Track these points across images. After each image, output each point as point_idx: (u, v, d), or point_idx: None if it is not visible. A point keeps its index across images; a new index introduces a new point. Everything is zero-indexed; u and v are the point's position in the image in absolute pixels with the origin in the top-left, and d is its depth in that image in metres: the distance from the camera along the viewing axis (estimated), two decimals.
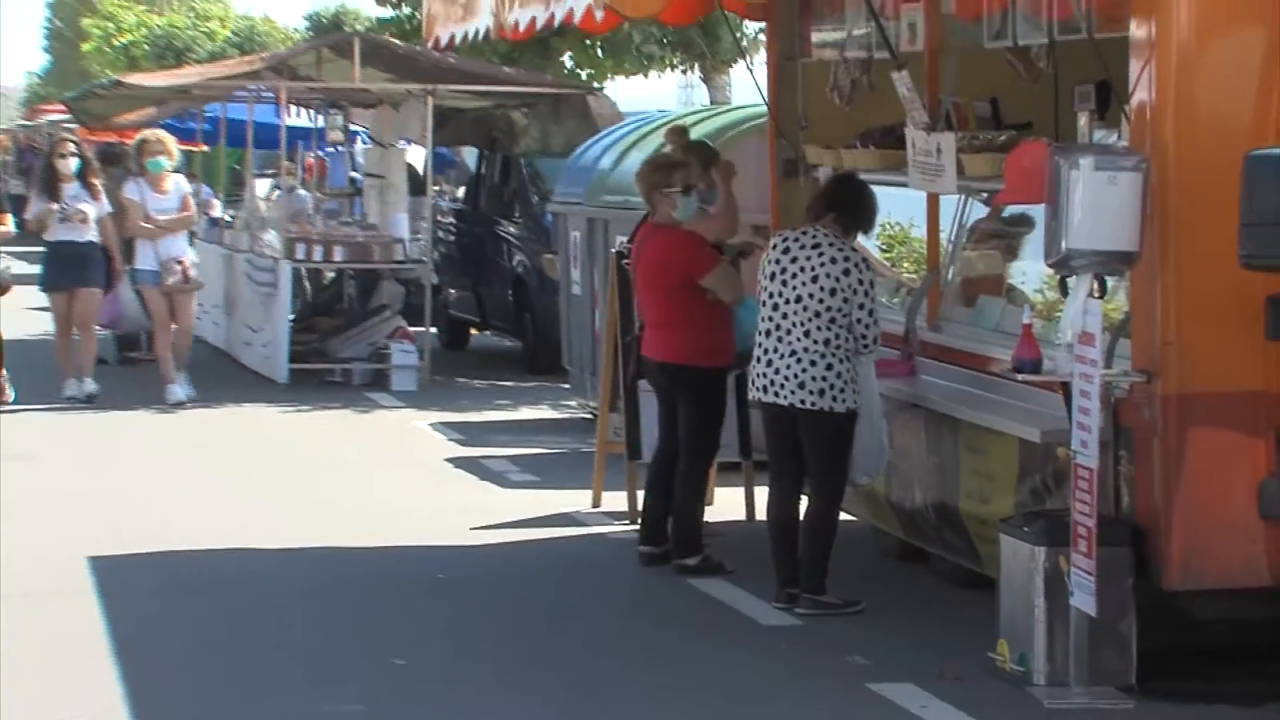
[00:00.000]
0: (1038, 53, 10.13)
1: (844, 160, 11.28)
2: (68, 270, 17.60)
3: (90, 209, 17.54)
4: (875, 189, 10.59)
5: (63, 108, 31.54)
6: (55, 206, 17.46)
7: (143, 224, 17.77)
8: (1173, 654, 8.44)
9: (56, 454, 15.26)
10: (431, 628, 10.11)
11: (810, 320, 9.87)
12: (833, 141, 11.71)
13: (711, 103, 24.63)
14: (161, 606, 10.46)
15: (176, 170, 18.53)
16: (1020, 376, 9.31)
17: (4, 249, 17.51)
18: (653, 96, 31.18)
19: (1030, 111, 10.17)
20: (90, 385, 17.32)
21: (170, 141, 18.72)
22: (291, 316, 19.76)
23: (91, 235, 17.54)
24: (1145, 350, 8.36)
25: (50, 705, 8.53)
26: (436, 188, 22.70)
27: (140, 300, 18.28)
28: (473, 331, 22.79)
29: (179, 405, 17.26)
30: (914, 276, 11.79)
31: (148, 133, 19.23)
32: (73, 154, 17.81)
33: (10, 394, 17.50)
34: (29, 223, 18.16)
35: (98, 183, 17.79)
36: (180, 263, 17.80)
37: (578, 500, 13.11)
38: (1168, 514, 8.26)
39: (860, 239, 10.51)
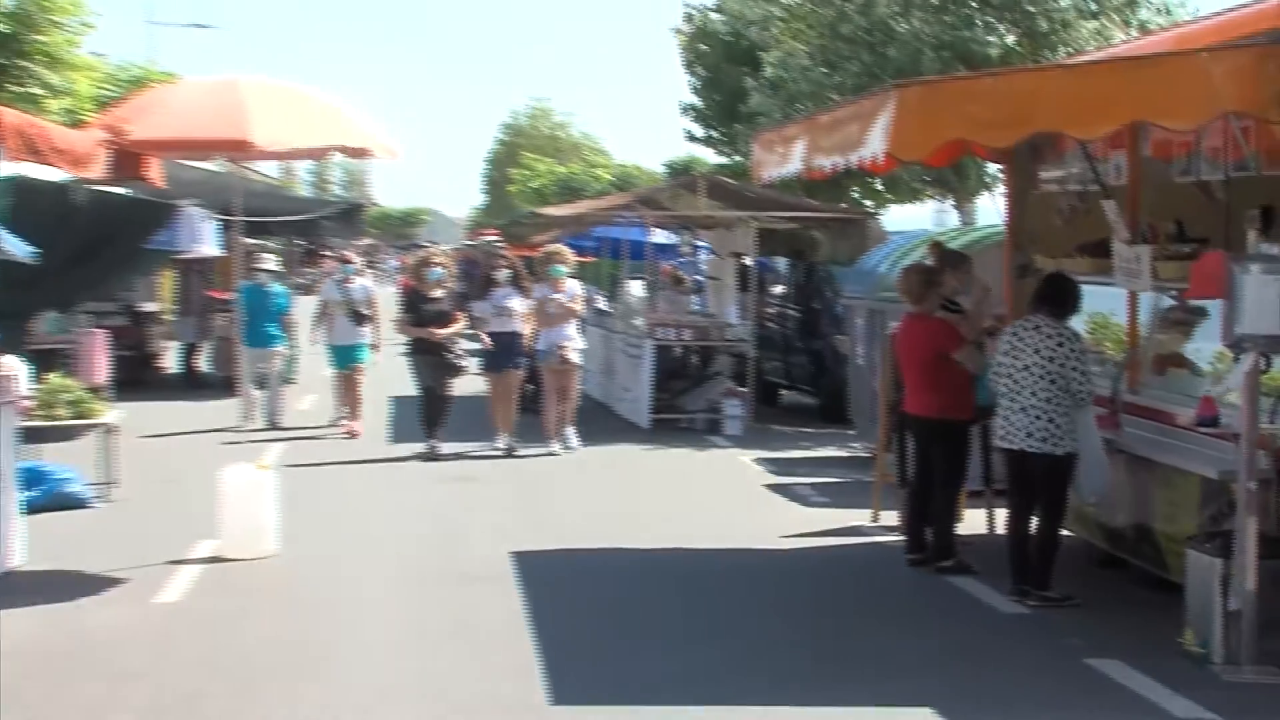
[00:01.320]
0: (1216, 185, 10.15)
1: (1065, 266, 11.23)
2: (501, 356, 17.29)
3: (519, 305, 17.34)
4: (1087, 287, 10.66)
5: (496, 231, 32.14)
6: (491, 305, 17.33)
7: (546, 314, 17.49)
8: None
9: (489, 478, 15.74)
10: (753, 608, 10.32)
11: (1035, 383, 9.93)
12: (1055, 252, 11.71)
13: (961, 224, 24.43)
14: (562, 589, 10.73)
15: (572, 275, 18.32)
16: (1203, 429, 9.37)
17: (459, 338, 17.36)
18: (915, 219, 30.97)
19: (1209, 230, 10.11)
20: (509, 440, 17.20)
21: (568, 253, 18.58)
22: (652, 380, 19.92)
23: (517, 326, 17.28)
24: None
25: (479, 658, 8.89)
26: (758, 287, 22.78)
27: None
28: (782, 391, 22.75)
29: (566, 450, 17.24)
30: (1115, 353, 11.79)
31: (551, 246, 19.28)
32: (505, 265, 17.76)
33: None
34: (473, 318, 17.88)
35: (528, 285, 17.69)
36: (561, 348, 17.46)
37: (860, 517, 13.11)
38: None
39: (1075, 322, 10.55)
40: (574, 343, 17.72)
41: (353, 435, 18.46)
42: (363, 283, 19.49)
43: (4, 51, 20.10)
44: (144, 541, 12.18)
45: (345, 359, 18.88)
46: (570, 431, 17.56)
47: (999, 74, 15.32)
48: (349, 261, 20.07)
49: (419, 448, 16.94)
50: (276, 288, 19.74)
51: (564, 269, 17.88)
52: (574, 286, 18.10)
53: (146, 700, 8.08)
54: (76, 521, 13.25)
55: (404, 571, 11.33)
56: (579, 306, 18.16)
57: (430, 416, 17.12)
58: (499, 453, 17.05)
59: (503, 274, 17.51)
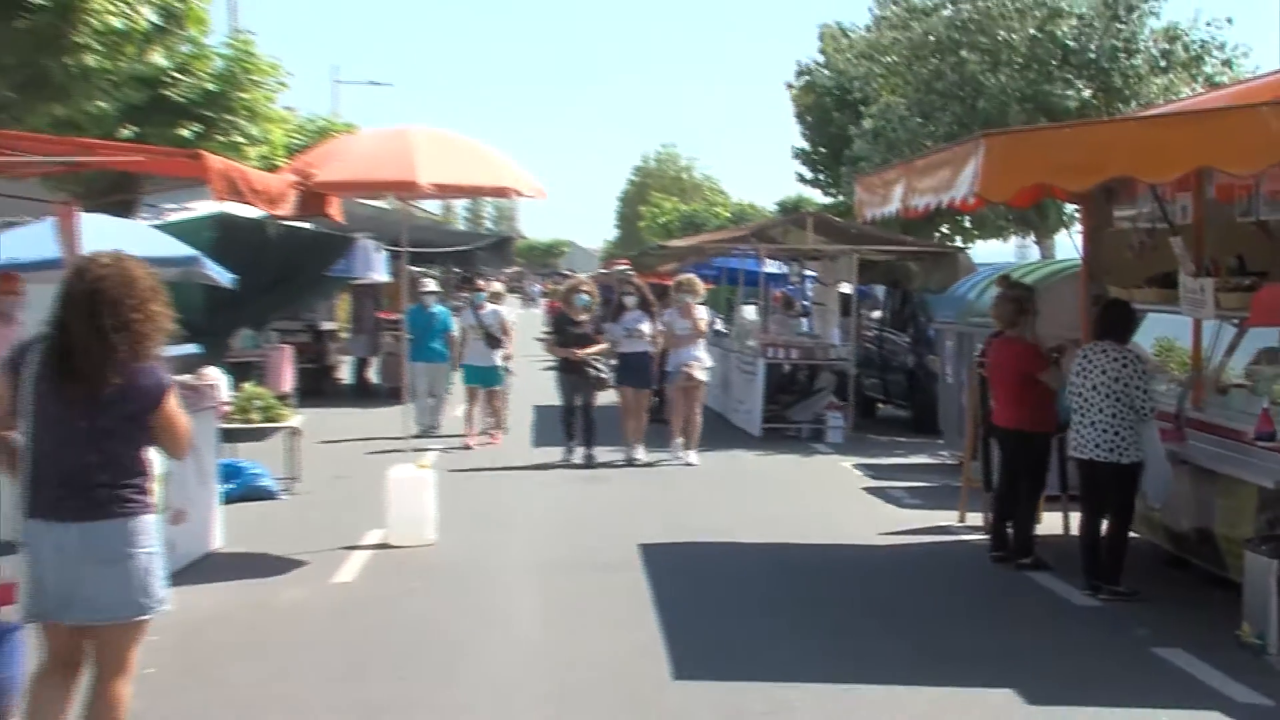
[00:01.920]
0: (1274, 224, 10.00)
1: (1135, 296, 11.13)
2: (630, 374, 17.13)
3: (646, 328, 17.15)
4: (1155, 314, 10.60)
5: (627, 261, 32.31)
6: (621, 328, 17.18)
7: (675, 336, 17.31)
8: None
9: (618, 480, 15.83)
10: (852, 597, 10.30)
11: (1103, 400, 9.90)
12: (1126, 283, 11.54)
13: (1041, 258, 24.20)
14: (683, 577, 10.77)
15: (701, 303, 18.15)
16: (1260, 443, 9.26)
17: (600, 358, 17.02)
18: (999, 253, 30.75)
19: (1267, 264, 9.99)
20: (637, 450, 17.04)
21: (698, 282, 18.37)
22: (764, 393, 19.91)
23: (646, 347, 17.16)
24: None
25: (608, 637, 8.94)
26: (860, 312, 22.70)
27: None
28: (879, 405, 22.66)
29: (685, 464, 16.84)
30: (1179, 374, 11.64)
31: (683, 276, 19.00)
32: (633, 292, 17.60)
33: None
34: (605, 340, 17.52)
35: (656, 309, 17.47)
36: (688, 366, 17.21)
37: (948, 518, 13.03)
38: None
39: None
40: (700, 362, 17.45)
41: (493, 443, 18.45)
42: (494, 309, 18.98)
43: (214, 108, 20.54)
44: (322, 529, 12.40)
45: (478, 378, 18.60)
46: (693, 454, 17.09)
47: (1078, 125, 15.23)
48: (481, 290, 19.74)
49: (558, 453, 16.97)
50: (439, 309, 19.82)
51: (693, 297, 17.66)
52: (701, 312, 17.88)
53: (322, 666, 8.23)
54: (265, 511, 13.52)
55: (542, 559, 11.42)
56: (704, 330, 17.90)
57: (571, 428, 17.00)
58: (628, 460, 16.87)
59: (631, 299, 17.42)
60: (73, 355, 5.60)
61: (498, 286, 21.51)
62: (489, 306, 18.92)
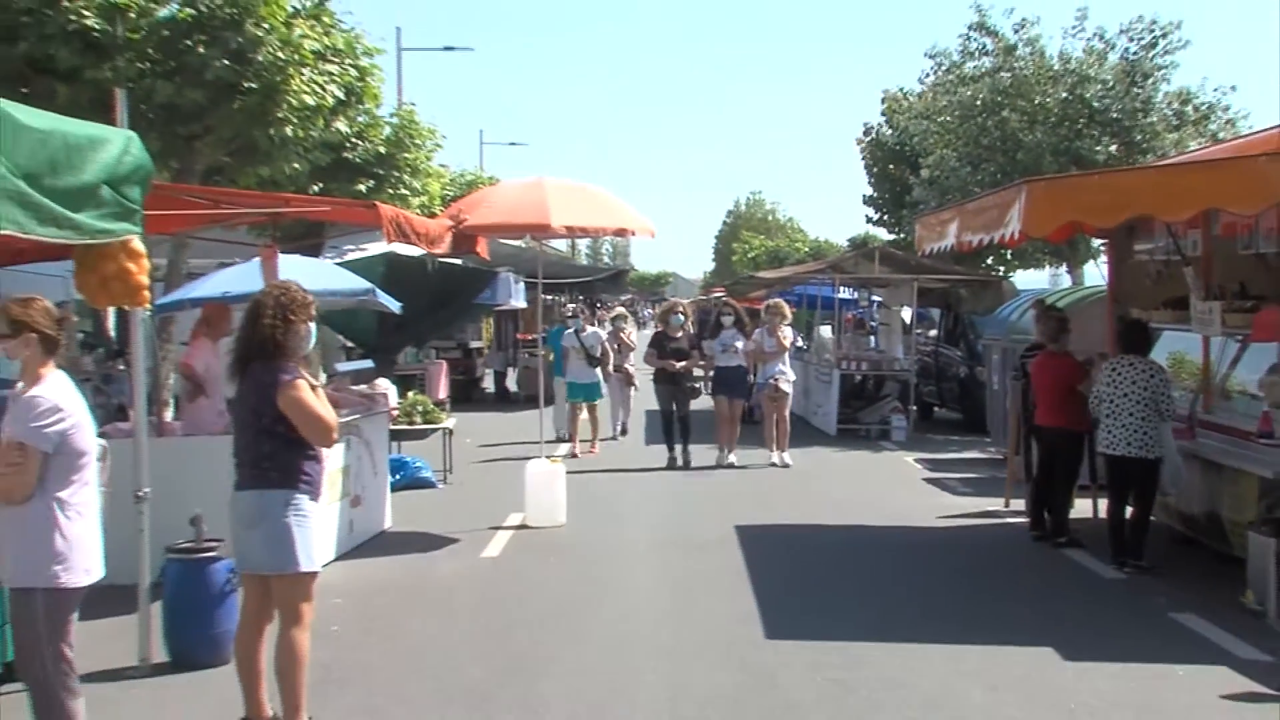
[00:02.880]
0: (1271, 257, 9.84)
1: (1153, 317, 11.02)
2: (725, 386, 16.46)
3: (741, 344, 16.56)
4: (1170, 332, 10.45)
5: (723, 289, 32.27)
6: (719, 344, 16.63)
7: (764, 352, 16.62)
8: None
9: (717, 476, 15.74)
10: (915, 569, 10.25)
11: (1133, 406, 9.80)
12: (1146, 305, 11.46)
13: (1073, 284, 23.86)
14: (773, 553, 10.74)
15: (788, 324, 17.48)
16: (1261, 440, 9.10)
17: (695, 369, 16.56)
18: (1036, 280, 30.40)
19: (1265, 290, 9.81)
20: (731, 454, 16.26)
21: (785, 306, 17.54)
22: (838, 399, 19.80)
23: (740, 361, 16.60)
24: None
25: (709, 603, 8.95)
26: (919, 330, 22.51)
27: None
28: (935, 409, 22.44)
29: (781, 465, 16.01)
30: (1191, 382, 11.46)
31: (773, 301, 17.98)
32: (730, 313, 17.24)
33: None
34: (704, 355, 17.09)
35: (749, 328, 17.11)
36: (774, 380, 16.45)
37: (995, 504, 12.86)
38: None
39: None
40: (786, 375, 16.71)
41: (592, 452, 17.26)
42: (594, 330, 18.19)
43: (384, 166, 20.93)
44: (472, 513, 12.52)
45: (581, 393, 17.55)
46: (785, 455, 16.28)
47: (1105, 173, 15.01)
48: (577, 315, 18.82)
49: (662, 452, 16.45)
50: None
51: (781, 319, 16.92)
52: (787, 331, 17.22)
53: (473, 626, 8.34)
54: (426, 497, 13.70)
55: (655, 539, 11.45)
56: (788, 347, 17.25)
57: (670, 433, 16.35)
58: (721, 464, 16.16)
59: (728, 319, 17.03)
60: (237, 354, 6.08)
61: (620, 310, 21.52)
62: (590, 328, 18.25)
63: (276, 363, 5.94)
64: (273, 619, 6.09)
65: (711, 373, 16.69)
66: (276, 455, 5.94)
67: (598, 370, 17.62)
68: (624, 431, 19.55)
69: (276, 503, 5.92)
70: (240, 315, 6.32)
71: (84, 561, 5.18)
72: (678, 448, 16.23)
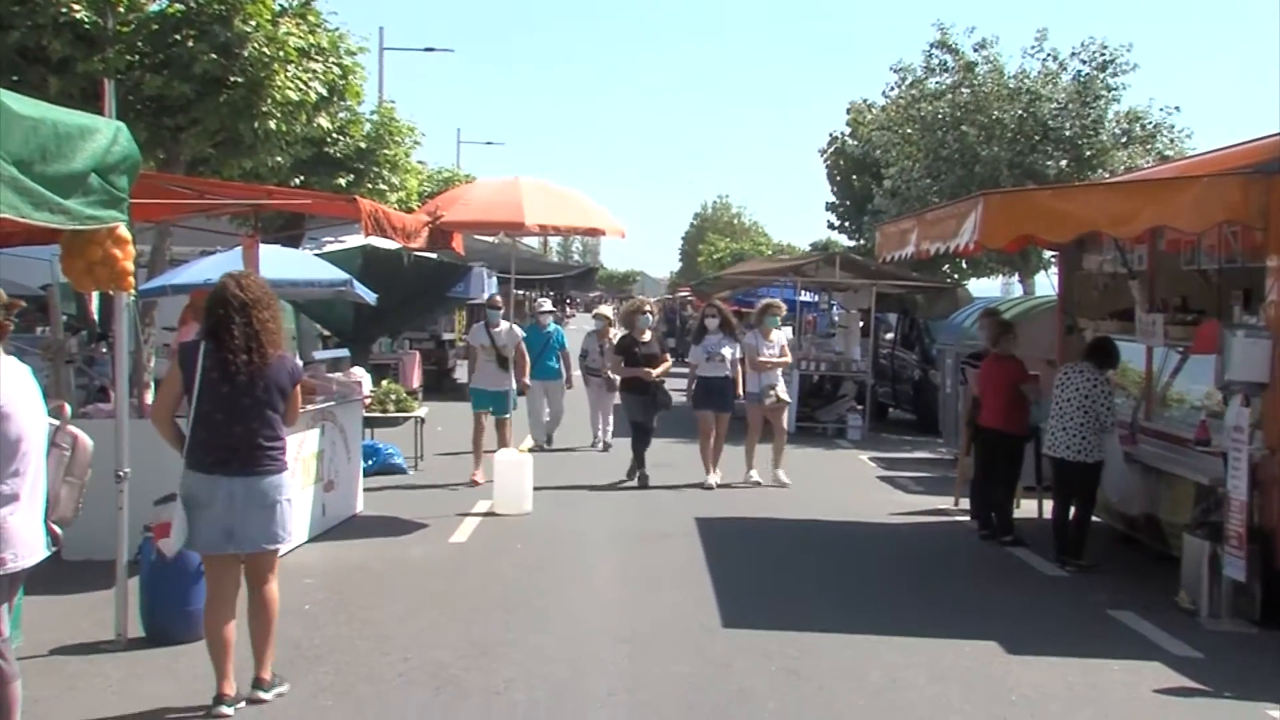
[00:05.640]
0: (1212, 273, 9.93)
1: (1100, 327, 11.12)
2: (710, 398, 13.86)
3: (729, 352, 13.94)
4: (1116, 341, 10.53)
5: (688, 288, 32.24)
6: (703, 350, 13.96)
7: (759, 360, 14.19)
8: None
9: (682, 465, 15.43)
10: (867, 564, 10.29)
11: (1074, 411, 9.91)
12: (1093, 316, 11.60)
13: (1024, 294, 24.05)
14: (731, 544, 10.76)
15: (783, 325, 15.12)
16: (1199, 448, 9.21)
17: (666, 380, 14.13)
18: (989, 288, 30.61)
19: (1206, 304, 9.90)
20: (714, 477, 13.78)
21: (782, 306, 15.12)
22: (797, 398, 19.74)
23: (727, 371, 13.92)
24: (1271, 435, 8.17)
25: (669, 590, 8.96)
26: (875, 334, 22.58)
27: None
28: (890, 409, 22.54)
29: (778, 485, 13.91)
30: (1134, 390, 11.57)
31: (768, 300, 15.55)
32: (716, 314, 14.23)
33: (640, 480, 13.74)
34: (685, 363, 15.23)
35: (738, 331, 14.50)
36: (773, 389, 14.17)
37: (945, 502, 12.96)
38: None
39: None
40: (782, 384, 14.52)
41: (475, 480, 13.42)
42: (510, 326, 13.96)
43: (364, 161, 20.90)
44: (441, 499, 12.52)
45: (485, 403, 13.75)
46: (781, 473, 14.15)
47: (1059, 189, 15.14)
48: (497, 307, 14.43)
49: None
50: (554, 327, 17.06)
51: (779, 320, 14.75)
52: (782, 336, 14.88)
53: (441, 609, 8.32)
54: (397, 483, 13.64)
55: (617, 529, 11.46)
56: (788, 354, 15.06)
57: (640, 448, 13.90)
58: (703, 485, 13.66)
59: (713, 321, 14.17)
60: (239, 347, 5.97)
61: (604, 308, 20.08)
62: (505, 324, 14.00)
63: (285, 353, 6.19)
64: (238, 592, 6.21)
65: (694, 384, 14.18)
66: (278, 440, 6.13)
67: (510, 377, 13.73)
68: (605, 448, 16.85)
69: (282, 486, 6.13)
70: None
71: (8, 548, 4.88)
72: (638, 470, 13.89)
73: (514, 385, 13.78)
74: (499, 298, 14.81)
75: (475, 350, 14.22)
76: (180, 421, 6.26)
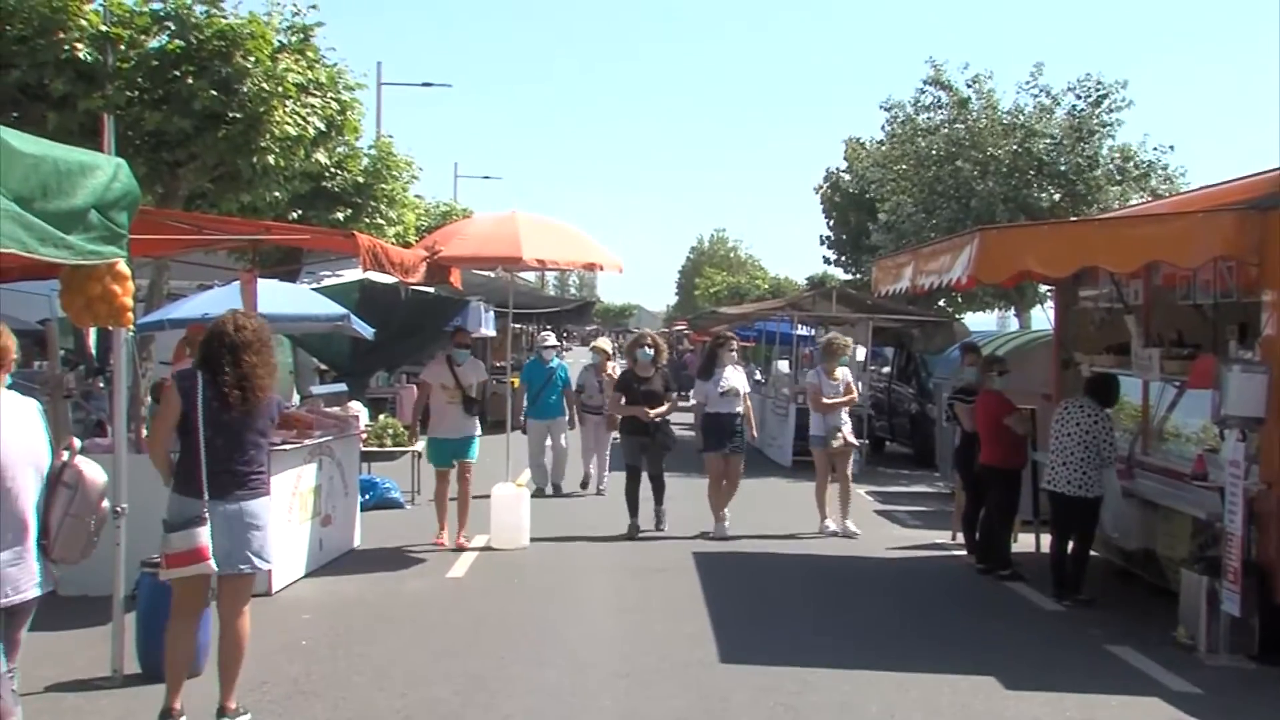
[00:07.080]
0: (1207, 307, 9.96)
1: (1096, 361, 11.15)
2: (721, 438, 12.85)
3: (742, 385, 12.99)
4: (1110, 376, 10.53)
5: (685, 322, 32.31)
6: (714, 386, 12.81)
7: (824, 401, 13.42)
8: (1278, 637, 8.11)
9: (681, 494, 15.06)
10: (864, 598, 10.23)
11: (1075, 446, 9.89)
12: (1090, 350, 11.61)
13: (1020, 328, 24.10)
14: (729, 579, 10.73)
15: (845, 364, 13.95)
16: (1196, 482, 9.22)
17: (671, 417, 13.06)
18: (985, 322, 30.73)
19: (1201, 339, 9.93)
20: (724, 526, 12.79)
21: (847, 344, 14.19)
22: (793, 432, 19.74)
23: (739, 407, 12.86)
24: (1268, 470, 8.18)
25: (666, 625, 8.92)
26: (873, 367, 22.63)
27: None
28: (887, 443, 22.55)
29: (845, 535, 13.06)
30: (1131, 425, 11.59)
31: (834, 336, 14.51)
32: (733, 350, 13.26)
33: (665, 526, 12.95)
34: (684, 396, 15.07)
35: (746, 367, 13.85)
36: (839, 430, 13.38)
37: (943, 537, 12.95)
38: (1277, 560, 8.00)
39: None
40: (848, 426, 13.59)
41: (460, 544, 11.88)
42: (474, 361, 12.43)
43: (361, 196, 20.95)
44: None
45: (445, 454, 12.06)
46: (850, 523, 13.22)
47: (1054, 224, 15.23)
48: (466, 346, 12.33)
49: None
50: (556, 363, 16.01)
51: (848, 360, 14.01)
52: (846, 374, 13.76)
53: (438, 643, 8.29)
54: (394, 517, 13.63)
55: (614, 562, 11.45)
56: (854, 392, 13.94)
57: (637, 498, 12.88)
58: (717, 536, 12.74)
59: (728, 355, 13.14)
60: (231, 383, 6.15)
61: (603, 341, 18.42)
62: (470, 359, 12.31)
63: (273, 395, 6.48)
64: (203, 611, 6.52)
65: (701, 422, 13.03)
66: (265, 468, 6.38)
67: (475, 421, 12.08)
68: (599, 491, 16.02)
69: (269, 509, 6.39)
70: None
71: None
72: (647, 508, 12.95)
73: (478, 429, 12.13)
74: (467, 334, 12.95)
75: (433, 391, 12.07)
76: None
